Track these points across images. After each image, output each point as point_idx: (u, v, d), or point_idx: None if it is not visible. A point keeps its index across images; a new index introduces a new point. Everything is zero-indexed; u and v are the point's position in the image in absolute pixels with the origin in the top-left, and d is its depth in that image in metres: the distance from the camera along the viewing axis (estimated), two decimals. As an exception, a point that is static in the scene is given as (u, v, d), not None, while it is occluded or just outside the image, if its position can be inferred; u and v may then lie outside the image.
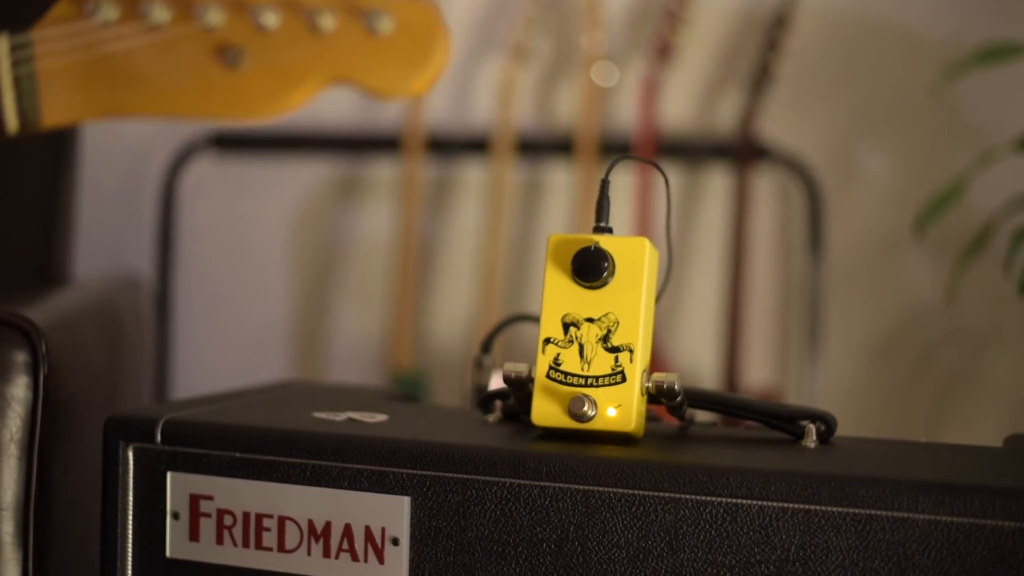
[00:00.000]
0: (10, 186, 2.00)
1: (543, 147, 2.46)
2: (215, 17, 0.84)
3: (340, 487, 1.12)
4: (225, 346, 2.60)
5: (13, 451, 1.35)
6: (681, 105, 2.46)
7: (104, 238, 2.53)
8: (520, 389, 1.15)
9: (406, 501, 1.11)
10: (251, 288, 2.60)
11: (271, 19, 0.84)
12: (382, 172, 2.53)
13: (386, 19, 0.86)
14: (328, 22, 0.86)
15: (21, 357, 1.36)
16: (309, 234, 2.58)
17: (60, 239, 2.12)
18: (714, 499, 1.04)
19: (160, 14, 0.83)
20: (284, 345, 2.60)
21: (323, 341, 2.59)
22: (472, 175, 2.50)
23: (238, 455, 1.15)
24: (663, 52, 2.34)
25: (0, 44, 0.83)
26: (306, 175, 2.56)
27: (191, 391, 2.45)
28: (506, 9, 2.48)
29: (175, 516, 1.18)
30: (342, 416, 1.22)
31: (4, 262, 2.08)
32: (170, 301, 2.50)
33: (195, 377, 2.57)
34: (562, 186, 2.49)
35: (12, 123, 0.83)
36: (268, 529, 1.15)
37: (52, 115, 0.83)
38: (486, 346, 1.38)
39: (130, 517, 1.19)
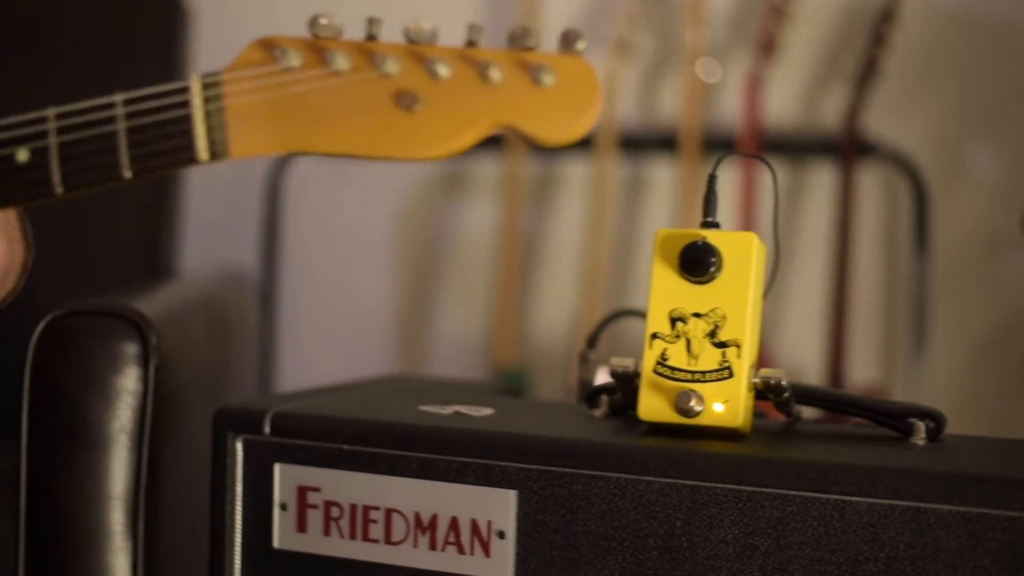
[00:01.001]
0: (122, 189, 2.03)
1: (646, 143, 2.46)
2: (393, 66, 0.92)
3: (447, 480, 1.13)
4: (328, 340, 2.62)
5: (123, 441, 1.38)
6: (785, 101, 2.44)
7: (210, 233, 2.55)
8: (627, 384, 1.15)
9: (513, 495, 1.11)
10: (355, 283, 2.62)
11: (444, 69, 0.92)
12: (485, 168, 2.54)
13: (549, 73, 0.93)
14: (496, 73, 0.93)
15: (132, 349, 1.38)
16: (413, 229, 2.59)
17: (168, 234, 2.15)
18: (822, 496, 1.03)
19: (342, 62, 0.92)
20: (387, 339, 2.62)
21: (426, 336, 2.60)
22: (575, 171, 2.50)
23: (346, 447, 1.16)
24: (767, 47, 2.33)
25: (193, 82, 0.91)
26: (410, 171, 2.57)
27: (294, 385, 2.47)
28: (609, 5, 2.48)
29: (283, 507, 1.19)
30: (449, 409, 1.22)
31: (114, 257, 2.12)
32: (275, 295, 2.52)
33: (298, 371, 2.59)
34: (664, 182, 2.48)
35: (203, 154, 0.92)
36: (375, 521, 1.16)
37: (239, 148, 0.92)
38: (592, 341, 1.38)
39: (238, 508, 1.21)
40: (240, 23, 2.53)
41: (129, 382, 1.37)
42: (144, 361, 1.38)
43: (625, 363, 1.14)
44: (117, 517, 1.38)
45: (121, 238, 2.12)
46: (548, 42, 0.96)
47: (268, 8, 2.54)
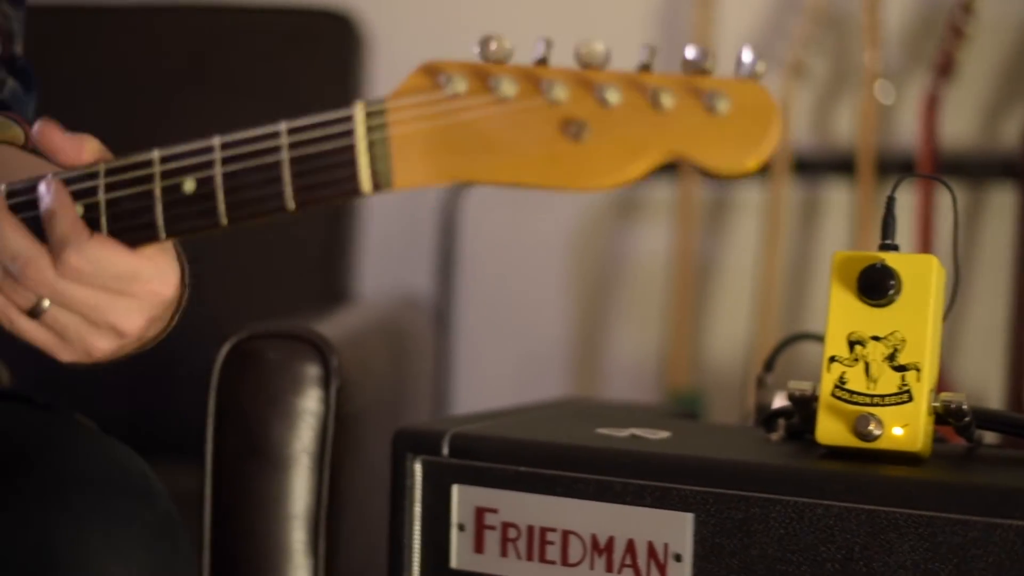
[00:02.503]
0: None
1: (821, 166, 2.43)
2: (560, 93, 0.87)
3: (624, 503, 1.13)
4: (502, 363, 2.64)
5: (305, 462, 1.40)
6: (963, 121, 2.40)
7: (386, 257, 2.59)
8: (804, 407, 1.14)
9: (689, 518, 1.11)
10: (529, 306, 2.63)
11: (614, 96, 0.87)
12: (659, 192, 2.54)
13: (724, 100, 0.88)
14: (668, 100, 0.88)
15: (314, 371, 1.40)
16: (587, 253, 2.60)
17: (345, 257, 2.19)
18: (1005, 522, 1.01)
19: (508, 88, 0.87)
20: (560, 363, 2.63)
21: (599, 359, 2.60)
22: (749, 194, 2.49)
23: (523, 469, 1.17)
24: (945, 67, 2.30)
25: (357, 111, 0.88)
26: (584, 195, 2.58)
27: (469, 407, 2.49)
28: (784, 26, 2.47)
29: (461, 528, 1.20)
30: (625, 432, 1.23)
31: (293, 280, 2.16)
32: (450, 318, 2.55)
33: (472, 393, 2.61)
34: (839, 205, 2.46)
35: (366, 185, 0.89)
36: (552, 543, 1.16)
37: (403, 178, 0.88)
38: (769, 364, 1.37)
39: (417, 528, 1.22)
40: (417, 46, 2.56)
41: (311, 403, 1.40)
42: (326, 383, 1.40)
43: (803, 386, 1.14)
44: (298, 536, 1.40)
45: (300, 261, 2.16)
46: (722, 62, 0.92)
47: (444, 30, 2.57)
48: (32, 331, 0.96)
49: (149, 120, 2.16)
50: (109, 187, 0.94)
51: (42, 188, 0.95)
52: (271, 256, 2.11)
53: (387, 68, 2.36)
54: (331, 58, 2.22)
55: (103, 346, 0.97)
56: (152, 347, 1.05)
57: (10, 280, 0.94)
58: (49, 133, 0.97)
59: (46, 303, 0.94)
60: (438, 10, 2.54)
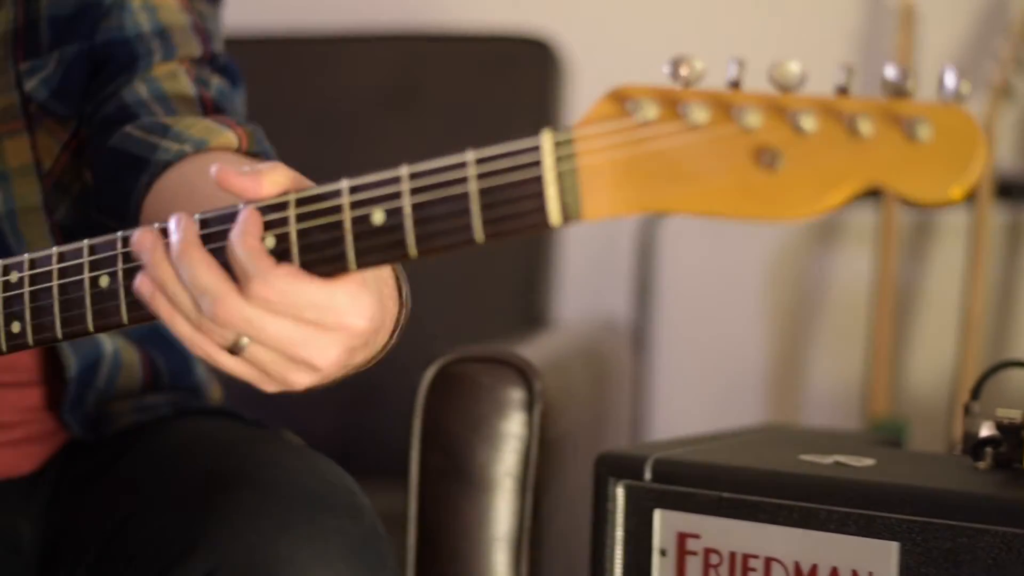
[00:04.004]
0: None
1: (1026, 189, 2.39)
2: (753, 119, 0.83)
3: (828, 530, 1.13)
4: (699, 388, 2.63)
5: (508, 485, 1.42)
6: None
7: (584, 282, 2.60)
8: (1013, 436, 1.13)
9: (895, 547, 1.10)
10: (726, 331, 2.62)
11: (809, 123, 0.83)
12: (859, 217, 2.52)
13: (926, 126, 0.84)
14: (867, 127, 0.84)
15: (518, 395, 1.42)
16: (785, 279, 2.58)
17: (544, 283, 2.20)
18: None
19: (699, 115, 0.84)
20: (758, 388, 2.61)
21: (798, 385, 2.58)
22: (952, 219, 2.45)
23: (726, 495, 1.17)
24: None
25: (544, 140, 0.87)
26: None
27: (665, 432, 2.49)
28: (987, 46, 2.42)
29: (663, 553, 1.20)
30: (829, 459, 1.22)
31: (494, 305, 2.18)
32: (647, 344, 2.55)
33: (670, 418, 2.61)
34: (1046, 229, 2.41)
35: (555, 217, 0.86)
36: (754, 570, 1.16)
37: (592, 210, 0.86)
38: (975, 392, 1.35)
39: (618, 553, 1.23)
40: (615, 72, 2.57)
41: (515, 427, 1.41)
42: (529, 407, 1.42)
43: (1011, 415, 1.12)
44: (501, 558, 1.42)
45: (500, 286, 2.18)
46: (924, 83, 0.87)
47: (643, 55, 2.57)
48: (235, 367, 0.97)
49: (350, 148, 2.20)
50: (299, 218, 0.94)
51: (236, 219, 0.96)
52: (472, 280, 2.14)
53: (586, 94, 2.38)
54: (531, 84, 2.24)
55: (301, 380, 0.97)
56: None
57: (206, 319, 0.95)
58: (226, 178, 0.97)
59: (245, 340, 0.95)
60: (637, 36, 2.55)
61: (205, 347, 0.96)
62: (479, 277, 2.15)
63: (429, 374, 1.45)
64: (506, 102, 2.24)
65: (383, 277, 0.98)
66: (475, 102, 2.25)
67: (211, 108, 1.36)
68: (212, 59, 1.42)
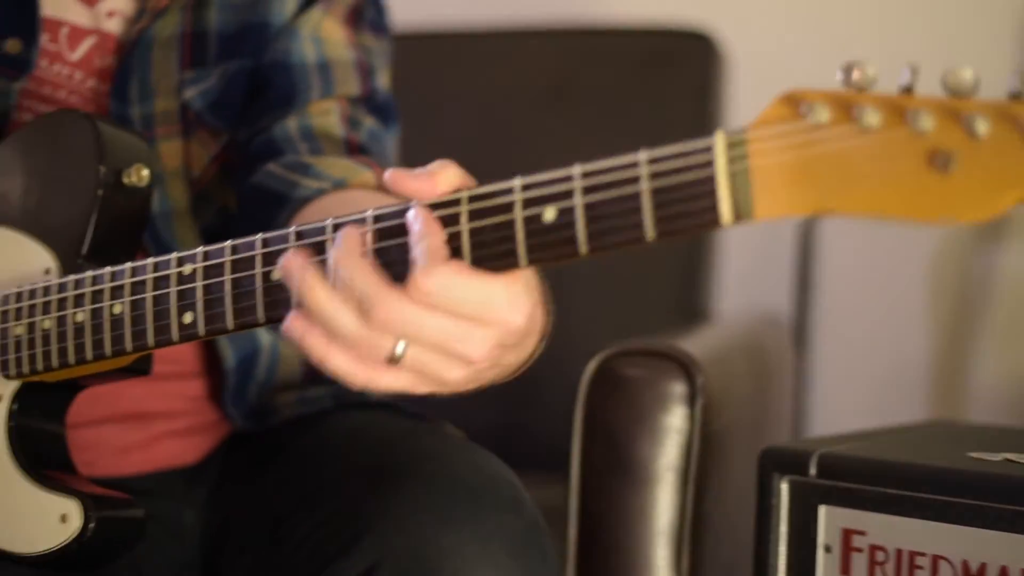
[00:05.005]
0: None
1: None
2: (927, 123, 0.83)
3: (998, 528, 1.11)
4: (861, 383, 2.60)
5: (670, 479, 1.41)
6: None
7: (744, 277, 2.58)
8: None
9: (1067, 546, 1.08)
10: (889, 326, 2.59)
11: (983, 126, 0.82)
12: (1026, 209, 2.47)
13: None
14: None
15: (679, 389, 1.41)
16: (951, 273, 2.54)
17: (704, 277, 2.19)
18: None
19: (872, 117, 0.84)
20: (921, 384, 2.57)
21: (962, 381, 2.54)
22: (1124, 211, 2.40)
23: (893, 491, 1.16)
24: None
25: (718, 140, 0.87)
26: (946, 214, 2.52)
27: (827, 428, 2.46)
28: None
29: (827, 549, 1.19)
30: (998, 456, 1.20)
31: (654, 299, 2.17)
32: (808, 338, 2.53)
33: (832, 414, 2.58)
34: None
35: (727, 216, 0.86)
36: (921, 567, 1.15)
37: (763, 210, 0.86)
38: None
39: (782, 548, 1.22)
40: (776, 67, 2.55)
41: (676, 421, 1.41)
42: (691, 401, 1.41)
43: None
44: (662, 552, 1.41)
45: (660, 280, 2.18)
46: None
47: (804, 50, 2.55)
48: (393, 382, 0.97)
49: (509, 143, 2.21)
50: (471, 215, 0.95)
51: (410, 215, 0.97)
52: (633, 275, 2.13)
53: (746, 89, 2.36)
54: (691, 79, 2.22)
55: (455, 376, 0.97)
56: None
57: (365, 330, 0.96)
58: (399, 181, 0.98)
59: (401, 347, 0.96)
60: (798, 30, 2.52)
61: (364, 371, 0.96)
62: (640, 272, 2.14)
63: (591, 368, 1.45)
64: (666, 97, 2.23)
65: (531, 286, 0.99)
66: (635, 97, 2.24)
67: (356, 150, 1.39)
68: (370, 96, 1.44)
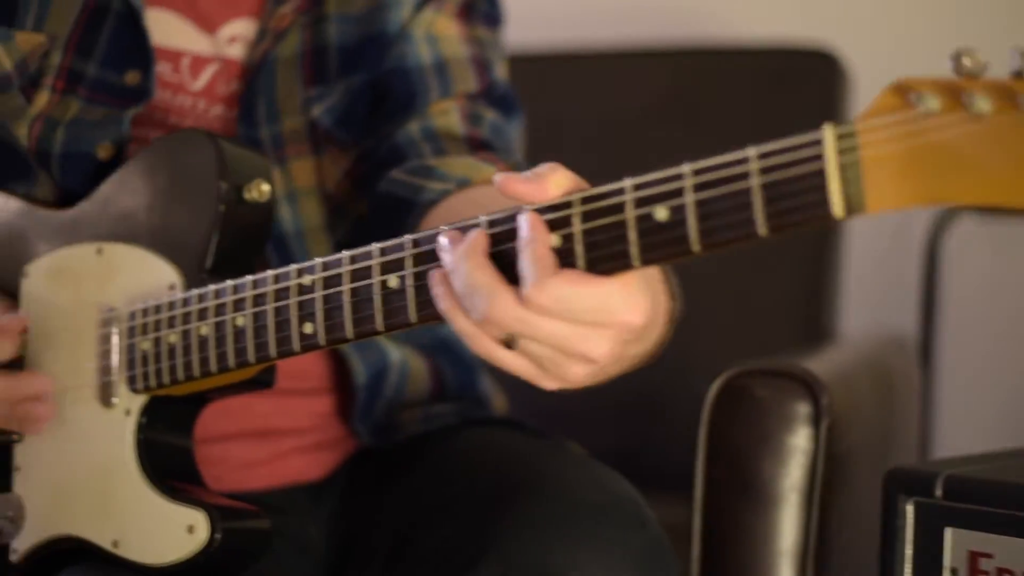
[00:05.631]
0: (783, 251, 2.07)
1: None
2: None
3: None
4: (988, 403, 2.56)
5: (794, 499, 1.41)
6: None
7: (869, 296, 2.56)
8: None
9: None
10: (1016, 345, 2.55)
11: None
12: None
13: None
14: None
15: (804, 409, 1.41)
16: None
17: (827, 296, 2.18)
18: None
19: (983, 104, 0.83)
20: (1051, 406, 2.53)
21: (1093, 404, 2.49)
22: None
23: (1020, 514, 1.14)
24: None
25: (827, 133, 0.87)
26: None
27: (953, 450, 2.43)
28: None
29: (953, 572, 1.18)
30: None
31: (776, 319, 2.16)
32: (934, 359, 2.50)
33: (958, 435, 2.55)
34: None
35: (839, 209, 0.86)
36: (1048, 591, 1.13)
37: (875, 202, 0.85)
38: None
39: (907, 570, 1.21)
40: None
41: (801, 441, 1.40)
42: (816, 421, 1.40)
43: None
44: (786, 573, 1.41)
45: (782, 299, 2.16)
46: None
47: (928, 68, 2.52)
48: (511, 361, 0.98)
49: (627, 163, 2.18)
50: (584, 217, 0.95)
51: (519, 220, 0.98)
52: (755, 294, 2.13)
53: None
54: (814, 98, 2.21)
55: (577, 373, 0.98)
56: (640, 379, 1.07)
57: (480, 316, 0.97)
58: (509, 185, 0.99)
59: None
60: (920, 48, 2.50)
61: (483, 342, 0.98)
62: (762, 291, 2.14)
63: (715, 388, 1.44)
64: (788, 115, 2.22)
65: (652, 272, 0.99)
66: (757, 116, 2.23)
67: (478, 146, 1.40)
68: (489, 90, 1.45)
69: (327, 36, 1.43)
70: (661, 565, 1.20)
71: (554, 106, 2.23)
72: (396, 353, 1.48)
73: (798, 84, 2.23)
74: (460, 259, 0.98)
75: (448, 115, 1.41)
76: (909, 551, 1.20)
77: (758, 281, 2.12)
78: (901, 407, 1.97)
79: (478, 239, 0.98)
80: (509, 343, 0.97)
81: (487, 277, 0.96)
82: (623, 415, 1.95)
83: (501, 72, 1.48)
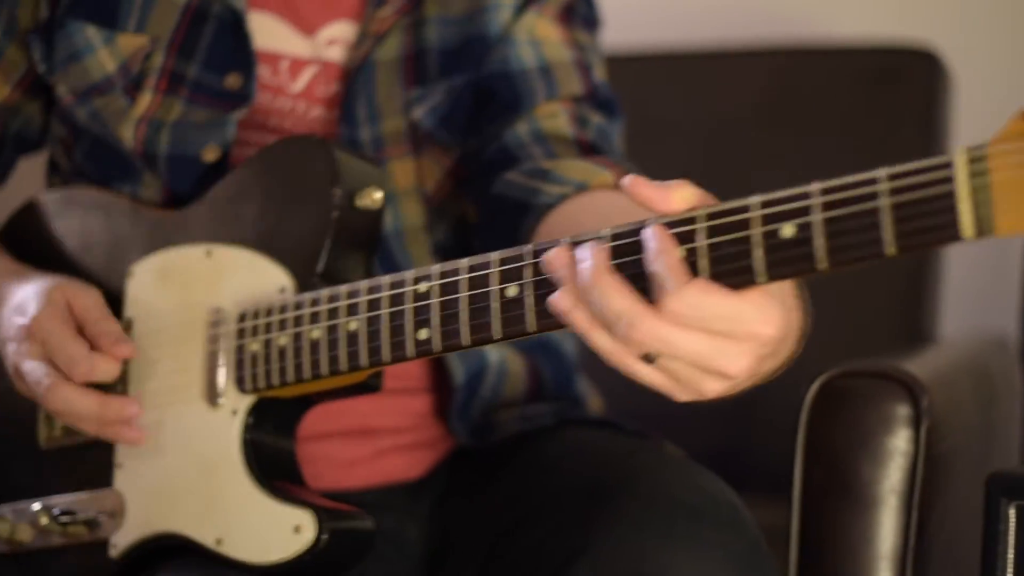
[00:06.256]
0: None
1: None
2: None
3: None
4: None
5: (893, 502, 1.40)
6: None
7: (969, 299, 2.53)
8: None
9: None
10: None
11: None
12: None
13: None
14: None
15: (904, 411, 1.40)
16: None
17: (928, 299, 2.16)
18: None
19: None
20: None
21: None
22: None
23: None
24: None
25: (959, 156, 0.87)
26: None
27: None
28: None
29: (1055, 575, 1.17)
30: None
31: (876, 320, 2.15)
32: (1036, 361, 2.47)
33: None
34: None
35: (968, 231, 0.87)
36: None
37: (1005, 225, 0.86)
38: None
39: (1009, 573, 1.20)
40: (1002, 85, 2.50)
41: (900, 443, 1.39)
42: (916, 423, 1.39)
43: None
44: (884, 576, 1.40)
45: (881, 301, 2.15)
46: None
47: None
48: (649, 375, 0.99)
49: (727, 163, 2.19)
50: (709, 232, 0.96)
51: (646, 233, 0.98)
52: (854, 296, 2.11)
53: (971, 107, 2.32)
54: (915, 97, 2.19)
55: (713, 389, 0.99)
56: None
57: (621, 344, 0.98)
58: (637, 188, 0.99)
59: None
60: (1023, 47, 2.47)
61: (622, 357, 0.99)
62: (861, 292, 2.12)
63: (814, 389, 1.44)
64: (889, 115, 2.21)
65: (784, 286, 0.99)
66: (857, 116, 2.22)
67: (587, 149, 1.40)
68: (593, 93, 1.46)
69: (427, 38, 1.44)
70: (759, 568, 1.20)
71: (654, 107, 2.23)
72: (494, 353, 1.49)
73: (899, 84, 2.21)
74: (596, 278, 0.98)
75: (556, 118, 1.42)
76: (1011, 555, 1.20)
77: (857, 283, 2.10)
78: (1002, 409, 1.95)
79: (599, 257, 0.99)
80: (648, 358, 0.98)
81: (626, 299, 0.97)
82: (719, 416, 1.94)
83: (601, 75, 1.49)
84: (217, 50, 1.42)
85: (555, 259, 1.01)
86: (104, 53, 1.42)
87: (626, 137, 1.52)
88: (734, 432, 2.02)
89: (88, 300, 1.31)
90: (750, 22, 2.50)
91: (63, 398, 1.27)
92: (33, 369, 1.28)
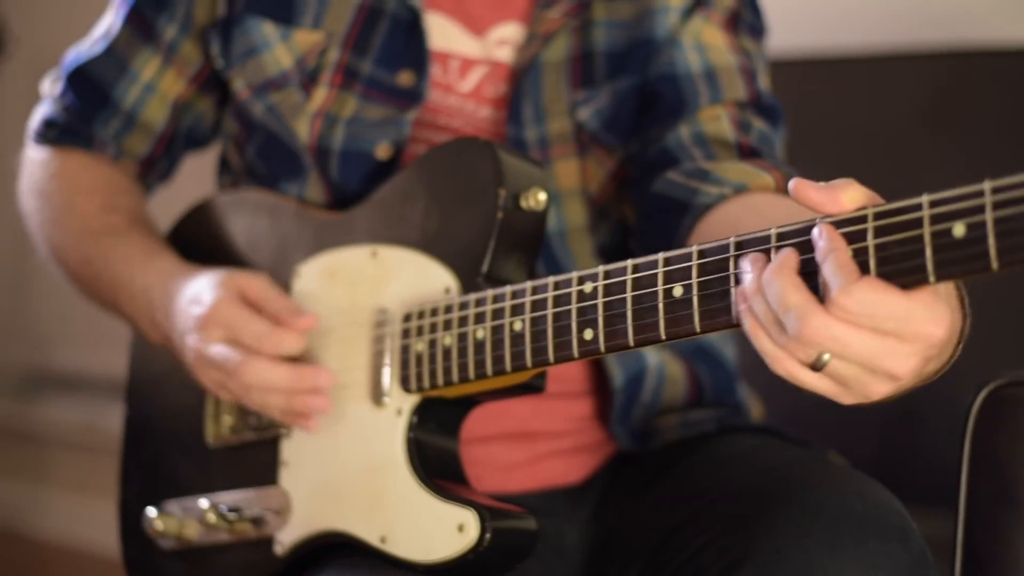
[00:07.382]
0: None
1: None
2: None
3: None
4: None
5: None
6: None
7: None
8: None
9: None
10: None
11: None
12: None
13: None
14: None
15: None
16: None
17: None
18: None
19: None
20: None
21: None
22: None
23: None
24: None
25: None
26: None
27: None
28: None
29: None
30: None
31: None
32: None
33: None
34: None
35: None
36: None
37: None
38: None
39: None
40: None
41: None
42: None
43: None
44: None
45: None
46: None
47: None
48: (815, 382, 0.99)
49: (890, 168, 2.17)
50: (877, 232, 0.95)
51: (815, 232, 0.98)
52: (1017, 303, 2.07)
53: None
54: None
55: (880, 391, 0.98)
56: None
57: (790, 337, 0.97)
58: (803, 191, 1.00)
59: (826, 356, 0.97)
60: None
61: (787, 363, 0.98)
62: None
63: (980, 398, 1.41)
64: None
65: (949, 287, 0.98)
66: (1019, 119, 2.18)
67: (748, 153, 1.39)
68: (757, 99, 1.45)
69: (595, 41, 1.45)
70: (924, 582, 1.18)
71: (816, 112, 2.21)
72: (654, 357, 1.49)
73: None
74: (772, 277, 0.98)
75: (719, 121, 1.41)
76: None
77: (1021, 289, 2.06)
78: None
79: (789, 257, 0.99)
80: (815, 365, 0.97)
81: (801, 296, 0.97)
82: (882, 424, 1.92)
83: (765, 82, 1.48)
84: (391, 47, 1.44)
85: (753, 258, 1.01)
86: (281, 49, 1.45)
87: (787, 143, 1.51)
88: (896, 441, 1.99)
89: (260, 283, 1.34)
90: (912, 26, 2.47)
91: (257, 371, 1.29)
92: (220, 351, 1.31)
